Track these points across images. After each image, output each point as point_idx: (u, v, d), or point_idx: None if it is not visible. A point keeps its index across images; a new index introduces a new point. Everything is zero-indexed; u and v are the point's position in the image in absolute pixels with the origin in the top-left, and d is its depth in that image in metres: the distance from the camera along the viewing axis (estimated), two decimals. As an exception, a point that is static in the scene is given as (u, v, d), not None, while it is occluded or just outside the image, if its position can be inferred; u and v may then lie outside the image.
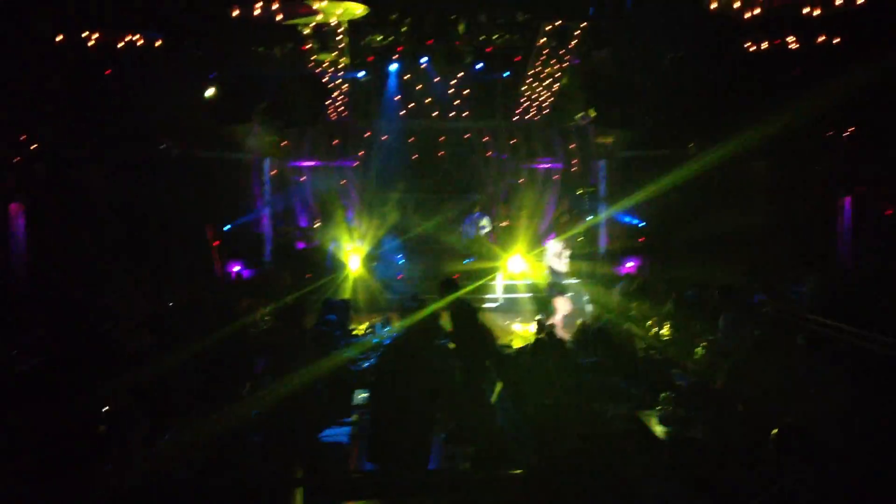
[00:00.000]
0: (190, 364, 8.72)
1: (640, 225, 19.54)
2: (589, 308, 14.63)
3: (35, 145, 14.91)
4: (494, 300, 17.90)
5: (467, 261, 19.53)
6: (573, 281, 16.45)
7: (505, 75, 19.24)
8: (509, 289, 18.39)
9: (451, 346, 8.54)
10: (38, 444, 5.84)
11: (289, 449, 6.50)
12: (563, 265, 14.62)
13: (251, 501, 5.33)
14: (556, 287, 14.69)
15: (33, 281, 14.93)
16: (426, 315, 9.86)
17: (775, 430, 5.60)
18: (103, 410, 6.63)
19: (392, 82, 19.45)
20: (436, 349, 8.17)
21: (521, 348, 10.76)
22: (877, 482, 5.66)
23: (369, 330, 12.17)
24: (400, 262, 19.43)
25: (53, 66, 14.06)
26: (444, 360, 8.40)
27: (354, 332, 12.20)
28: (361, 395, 8.32)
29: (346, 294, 16.33)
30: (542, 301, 15.89)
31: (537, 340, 9.66)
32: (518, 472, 5.07)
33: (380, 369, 6.89)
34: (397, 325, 11.45)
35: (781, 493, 5.35)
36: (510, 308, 17.64)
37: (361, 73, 18.65)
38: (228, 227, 19.29)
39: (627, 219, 19.72)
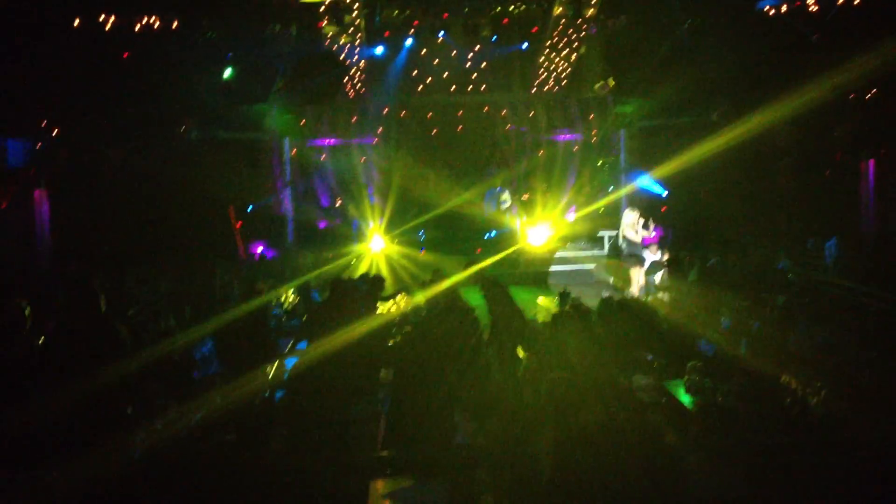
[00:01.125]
0: (213, 345, 8.78)
1: (662, 194, 19.38)
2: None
3: (56, 131, 14.99)
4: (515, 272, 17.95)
5: (489, 235, 19.51)
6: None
7: (523, 47, 19.04)
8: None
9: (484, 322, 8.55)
10: (64, 428, 5.90)
11: (317, 427, 6.53)
12: (639, 236, 14.54)
13: (281, 481, 5.36)
14: (632, 258, 14.66)
15: (58, 266, 15.03)
16: (452, 295, 9.94)
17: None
18: (129, 393, 6.68)
19: (403, 57, 19.24)
20: (468, 330, 8.05)
21: (545, 321, 10.75)
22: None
23: (393, 306, 12.18)
24: (422, 238, 19.44)
25: (71, 51, 14.09)
26: (477, 341, 8.39)
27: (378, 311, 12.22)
28: (383, 373, 8.35)
29: (370, 271, 16.38)
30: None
31: (561, 313, 9.63)
32: (543, 445, 5.06)
33: (405, 352, 6.85)
34: (421, 301, 11.47)
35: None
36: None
37: (379, 49, 18.54)
38: (251, 207, 19.33)
39: (650, 186, 19.55)
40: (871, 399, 6.46)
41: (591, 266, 18.55)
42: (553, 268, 18.32)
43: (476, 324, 8.43)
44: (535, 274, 18.17)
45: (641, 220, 14.65)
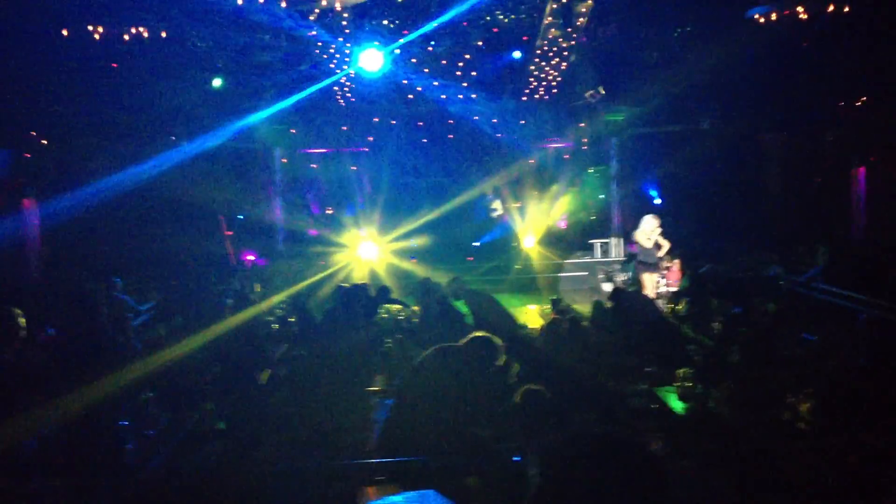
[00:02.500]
0: (205, 355, 8.76)
1: (654, 202, 19.37)
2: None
3: (45, 141, 14.95)
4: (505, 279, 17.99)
5: (480, 242, 19.52)
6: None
7: (513, 55, 19.01)
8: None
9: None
10: (56, 443, 5.86)
11: (308, 433, 6.50)
12: (650, 241, 14.58)
13: (270, 487, 5.33)
14: (643, 265, 14.70)
15: (48, 276, 14.96)
16: (444, 302, 9.95)
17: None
18: (123, 402, 6.65)
19: (392, 66, 19.16)
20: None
21: (537, 329, 10.76)
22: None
23: (385, 314, 12.15)
24: (413, 246, 19.43)
25: (60, 60, 14.05)
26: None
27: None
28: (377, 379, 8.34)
29: (362, 280, 16.35)
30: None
31: (552, 321, 9.63)
32: (534, 455, 5.04)
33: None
34: (413, 308, 11.47)
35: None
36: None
37: (368, 58, 18.45)
38: (241, 216, 19.30)
39: (648, 191, 19.58)
40: (862, 405, 6.45)
41: (584, 273, 18.58)
42: (545, 274, 18.34)
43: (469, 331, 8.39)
44: (527, 281, 18.18)
45: (659, 230, 14.67)
